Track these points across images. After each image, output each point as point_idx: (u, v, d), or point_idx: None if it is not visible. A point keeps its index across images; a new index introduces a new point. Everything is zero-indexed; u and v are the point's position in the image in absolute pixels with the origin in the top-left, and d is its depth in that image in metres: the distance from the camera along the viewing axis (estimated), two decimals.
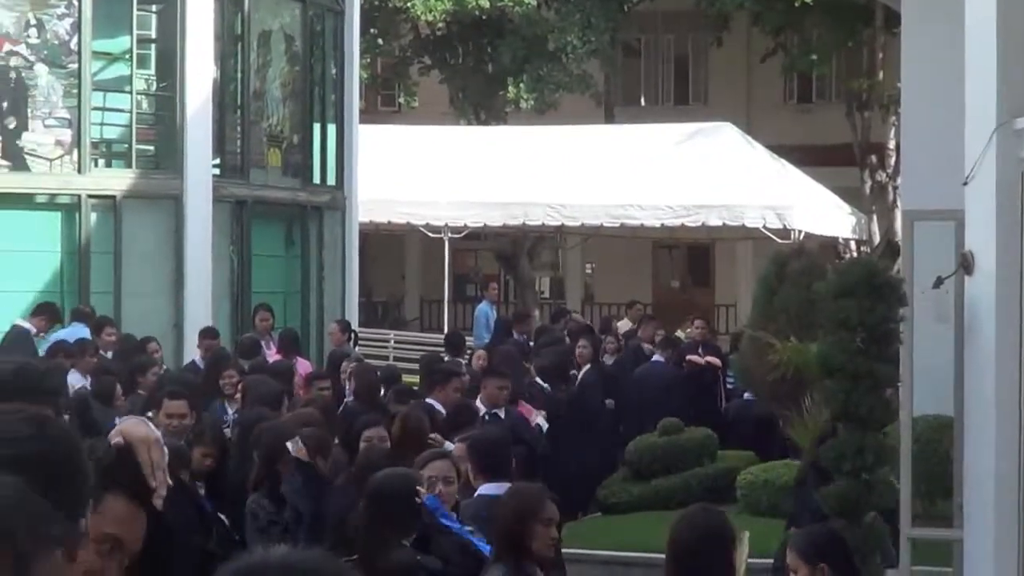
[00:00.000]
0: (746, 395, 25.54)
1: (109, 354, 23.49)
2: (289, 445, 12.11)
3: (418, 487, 10.35)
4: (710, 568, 8.51)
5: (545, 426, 20.83)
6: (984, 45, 10.83)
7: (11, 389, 5.76)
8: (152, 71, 32.19)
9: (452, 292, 45.21)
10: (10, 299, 25.31)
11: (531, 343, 28.85)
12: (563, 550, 10.66)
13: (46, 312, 25.09)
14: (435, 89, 57.04)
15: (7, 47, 30.77)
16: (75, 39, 31.01)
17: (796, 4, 46.79)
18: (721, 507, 16.45)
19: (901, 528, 12.06)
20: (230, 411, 18.31)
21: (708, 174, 41.16)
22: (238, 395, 18.75)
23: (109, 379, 18.22)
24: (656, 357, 27.65)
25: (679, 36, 59.00)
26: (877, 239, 43.26)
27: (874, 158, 49.20)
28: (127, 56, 32.07)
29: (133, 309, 28.15)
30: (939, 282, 11.54)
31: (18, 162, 30.78)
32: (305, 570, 3.75)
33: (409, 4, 51.18)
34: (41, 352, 23.30)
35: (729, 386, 26.84)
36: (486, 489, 11.86)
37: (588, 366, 25.19)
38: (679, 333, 32.04)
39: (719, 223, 41.77)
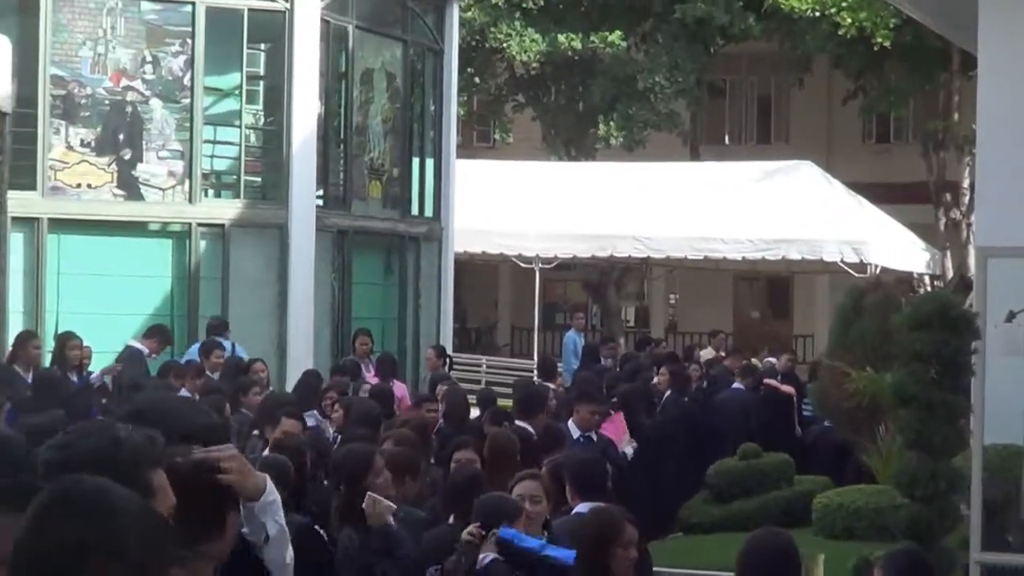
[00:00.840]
0: (825, 423, 25.46)
1: (216, 375, 23.56)
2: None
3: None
4: None
5: (631, 453, 20.81)
6: None
7: None
8: (260, 106, 32.34)
9: (542, 320, 45.23)
10: (124, 321, 25.44)
11: (617, 369, 28.80)
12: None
13: (158, 334, 25.21)
14: (528, 126, 57.10)
15: (124, 82, 30.90)
16: (188, 75, 31.16)
17: (875, 49, 46.75)
18: (797, 530, 16.42)
19: (971, 553, 12.00)
20: (331, 430, 18.23)
21: (788, 210, 41.08)
22: (335, 414, 18.74)
23: (218, 397, 18.24)
24: (736, 384, 27.60)
25: (762, 77, 58.96)
26: (950, 274, 43.13)
27: (948, 196, 49.07)
28: (237, 92, 32.24)
29: (238, 332, 28.14)
30: (1011, 316, 11.48)
31: (133, 191, 30.92)
32: None
33: (505, 45, 51.26)
34: (152, 371, 23.46)
35: (806, 414, 26.76)
36: (582, 508, 11.85)
37: (669, 392, 25.16)
38: (755, 361, 31.95)
39: (798, 257, 41.70)
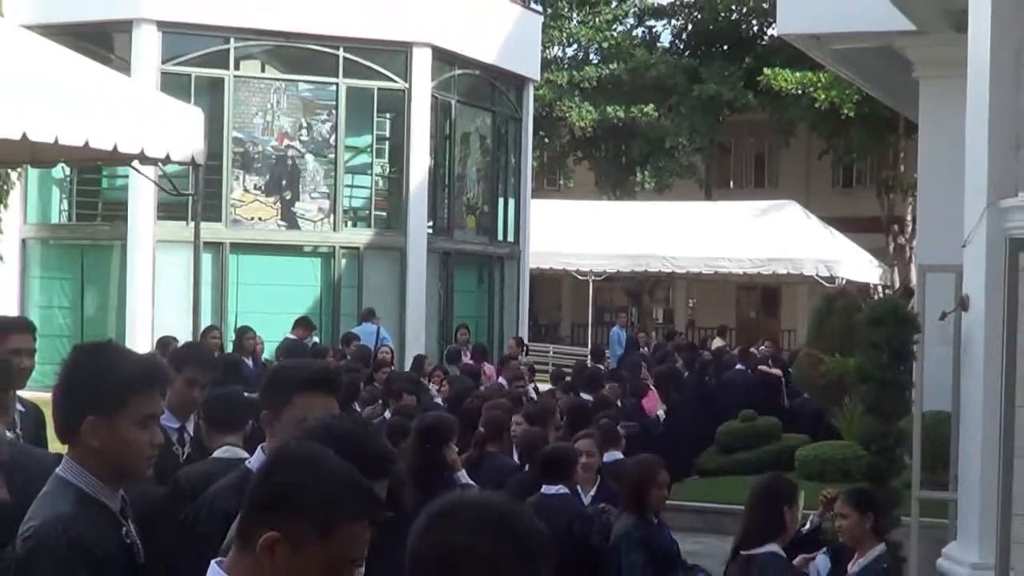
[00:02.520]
0: (805, 395, 25.42)
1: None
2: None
3: None
4: (778, 513, 8.50)
5: (663, 415, 20.87)
6: (977, 145, 10.79)
7: None
8: (386, 160, 32.42)
9: (594, 318, 45.14)
10: (284, 319, 25.51)
11: (652, 354, 28.82)
12: (669, 502, 10.59)
13: (304, 325, 25.24)
14: (584, 175, 57.08)
15: (286, 142, 31.06)
16: (333, 137, 31.29)
17: (842, 118, 46.67)
18: (785, 474, 16.42)
19: (913, 491, 12.00)
20: (439, 400, 18.15)
21: (777, 237, 41.03)
22: (443, 388, 18.72)
23: (356, 375, 18.20)
24: (739, 366, 27.62)
25: (758, 139, 58.73)
26: (897, 285, 42.96)
27: (896, 227, 48.94)
28: (369, 149, 32.33)
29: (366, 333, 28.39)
30: (943, 315, 11.48)
31: (291, 223, 31.10)
32: (500, 509, 3.41)
33: (567, 114, 51.32)
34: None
35: (789, 388, 26.72)
36: (608, 456, 11.90)
37: (687, 372, 25.18)
38: (752, 349, 31.85)
39: (784, 272, 41.60)
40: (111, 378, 5.05)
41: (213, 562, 3.89)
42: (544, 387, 21.63)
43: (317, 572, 3.71)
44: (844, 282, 38.85)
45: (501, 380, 20.56)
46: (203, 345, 14.32)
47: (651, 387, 22.35)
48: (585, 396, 17.12)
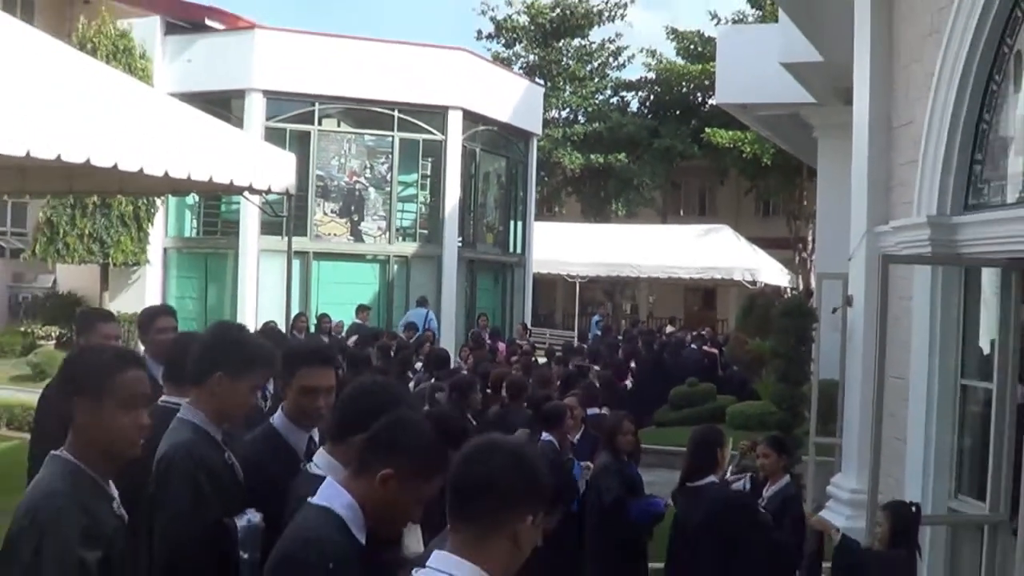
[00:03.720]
0: (734, 367, 25.46)
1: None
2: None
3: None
4: (713, 454, 8.60)
5: (629, 385, 20.95)
6: (859, 186, 10.88)
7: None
8: (428, 192, 32.43)
9: (579, 310, 45.11)
10: (351, 309, 25.62)
11: (619, 339, 28.87)
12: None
13: (363, 309, 25.40)
14: (574, 204, 56.88)
15: (355, 178, 31.15)
16: (389, 175, 31.37)
17: (763, 164, 46.78)
18: (718, 425, 16.45)
19: (811, 437, 12.09)
20: (465, 369, 18.05)
21: (715, 252, 41.11)
22: (469, 361, 18.71)
23: (406, 352, 18.11)
24: (691, 346, 27.72)
25: (701, 179, 58.56)
26: (801, 287, 42.96)
27: (800, 245, 48.88)
28: (415, 184, 32.38)
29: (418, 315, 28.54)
30: (834, 310, 11.55)
31: (358, 237, 31.15)
32: (521, 452, 3.46)
33: (562, 160, 51.40)
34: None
35: (723, 362, 26.76)
36: (591, 412, 11.99)
37: (647, 351, 25.22)
38: (696, 333, 31.88)
39: (720, 277, 41.70)
40: (244, 351, 5.24)
41: (329, 478, 4.17)
42: (542, 360, 21.71)
43: (410, 503, 4.06)
44: (763, 285, 39.02)
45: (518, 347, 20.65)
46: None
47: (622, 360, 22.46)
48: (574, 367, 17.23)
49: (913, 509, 7.91)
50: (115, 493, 4.23)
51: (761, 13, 45.89)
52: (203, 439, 5.06)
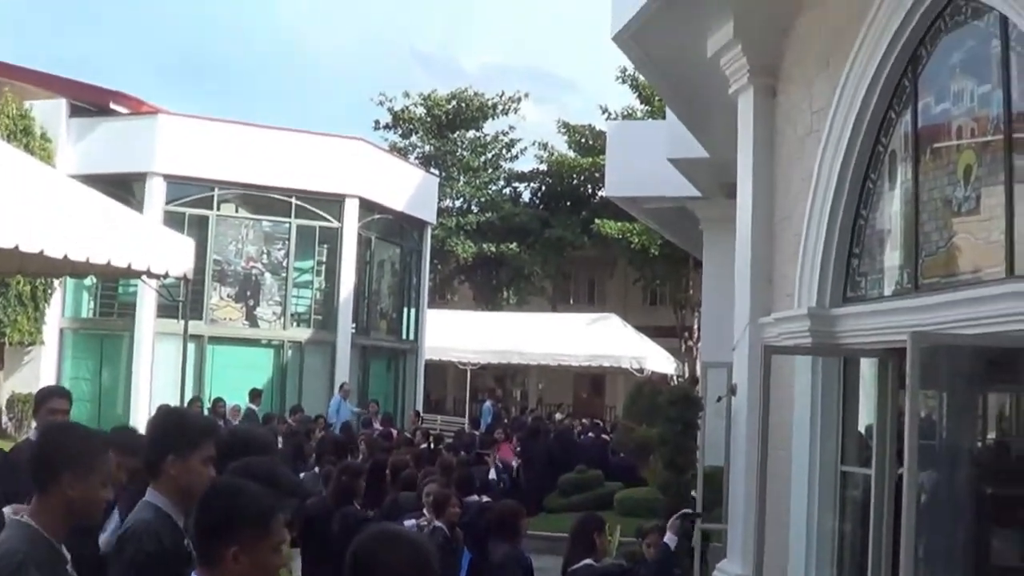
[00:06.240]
0: (621, 454, 25.48)
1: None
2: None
3: None
4: (590, 539, 8.65)
5: (515, 466, 20.88)
6: (742, 278, 11.01)
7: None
8: (323, 278, 32.33)
9: (470, 396, 44.98)
10: (244, 394, 25.41)
11: (512, 423, 28.77)
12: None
13: (256, 394, 25.28)
14: (466, 292, 57.08)
15: (252, 264, 31.01)
16: (285, 260, 31.27)
17: (650, 255, 47.35)
18: (606, 511, 16.44)
19: (697, 522, 12.11)
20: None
21: (603, 340, 41.27)
22: (362, 445, 18.53)
23: (298, 439, 18.00)
24: (589, 434, 27.72)
25: (590, 269, 58.77)
26: (687, 375, 43.26)
27: (687, 334, 49.32)
28: (311, 270, 32.29)
29: (307, 401, 28.21)
30: (719, 399, 11.63)
31: (253, 322, 30.97)
32: (423, 544, 3.73)
33: (455, 248, 51.58)
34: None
35: (611, 448, 26.76)
36: (469, 500, 11.82)
37: (537, 436, 25.15)
38: (585, 420, 31.96)
39: (608, 365, 41.90)
40: (187, 429, 5.30)
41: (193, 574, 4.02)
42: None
43: (267, 560, 3.91)
44: (650, 373, 39.21)
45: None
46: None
47: (511, 445, 22.43)
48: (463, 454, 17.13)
49: None
50: (68, 556, 4.48)
51: (650, 108, 46.53)
52: (163, 522, 5.08)
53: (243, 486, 4.08)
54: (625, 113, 50.64)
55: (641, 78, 42.51)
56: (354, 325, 32.45)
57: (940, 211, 7.97)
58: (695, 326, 47.05)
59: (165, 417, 5.67)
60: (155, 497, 5.19)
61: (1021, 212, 7.05)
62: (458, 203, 55.77)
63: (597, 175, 49.36)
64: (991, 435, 8.45)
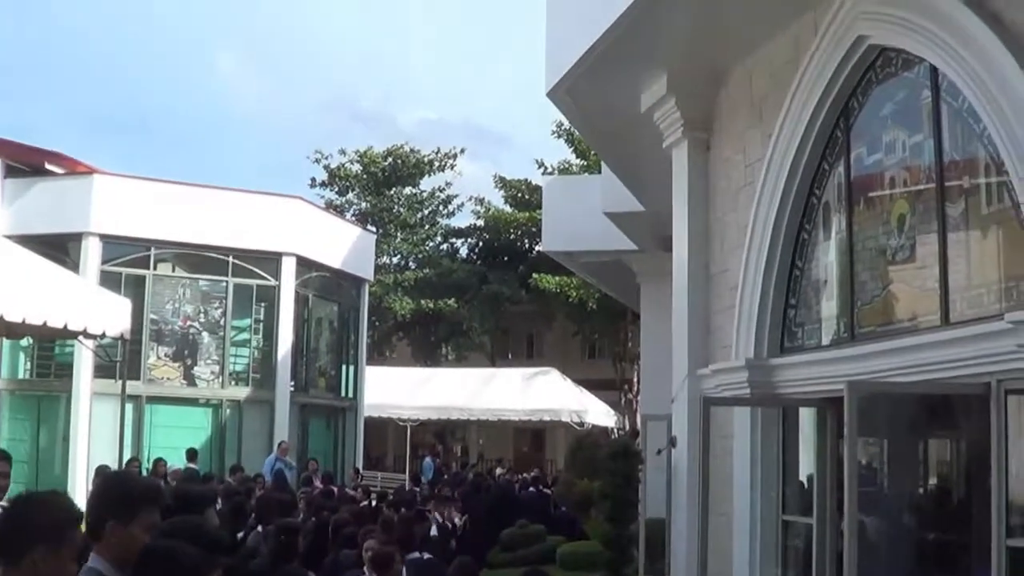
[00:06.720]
0: (563, 508, 25.37)
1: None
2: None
3: None
4: None
5: (459, 522, 20.74)
6: (680, 331, 11.05)
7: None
8: (261, 336, 32.04)
9: (411, 452, 44.69)
10: (182, 454, 25.14)
11: (453, 478, 28.62)
12: None
13: (192, 454, 25.08)
14: (404, 349, 56.93)
15: (189, 323, 30.69)
16: (223, 319, 30.97)
17: (588, 309, 47.53)
18: (549, 565, 16.36)
19: None
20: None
21: (542, 394, 41.19)
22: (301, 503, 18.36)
23: (239, 498, 17.77)
24: (530, 488, 27.63)
25: (529, 323, 58.59)
26: (627, 428, 43.25)
27: (626, 387, 49.38)
28: (249, 328, 32.01)
29: (246, 461, 27.91)
30: (660, 451, 11.62)
31: (191, 381, 30.58)
32: None
33: (392, 305, 51.50)
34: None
35: (553, 502, 26.66)
36: (411, 556, 11.70)
37: (478, 492, 25.04)
38: (525, 474, 31.88)
39: (548, 419, 41.81)
40: (128, 494, 5.26)
41: None
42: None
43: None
44: (590, 426, 39.18)
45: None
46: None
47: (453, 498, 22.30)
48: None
49: None
50: None
51: (586, 163, 46.78)
52: None
53: (176, 549, 4.08)
54: (561, 167, 50.85)
55: (576, 132, 42.81)
56: (293, 383, 32.19)
57: (875, 260, 8.04)
58: (634, 379, 47.12)
59: (107, 482, 5.64)
60: (98, 562, 5.12)
61: (955, 260, 7.12)
62: (395, 260, 55.76)
63: (534, 229, 49.55)
64: (932, 481, 8.50)
